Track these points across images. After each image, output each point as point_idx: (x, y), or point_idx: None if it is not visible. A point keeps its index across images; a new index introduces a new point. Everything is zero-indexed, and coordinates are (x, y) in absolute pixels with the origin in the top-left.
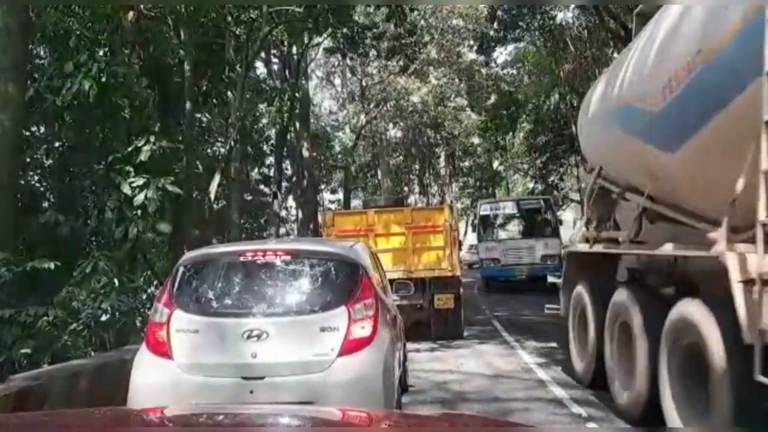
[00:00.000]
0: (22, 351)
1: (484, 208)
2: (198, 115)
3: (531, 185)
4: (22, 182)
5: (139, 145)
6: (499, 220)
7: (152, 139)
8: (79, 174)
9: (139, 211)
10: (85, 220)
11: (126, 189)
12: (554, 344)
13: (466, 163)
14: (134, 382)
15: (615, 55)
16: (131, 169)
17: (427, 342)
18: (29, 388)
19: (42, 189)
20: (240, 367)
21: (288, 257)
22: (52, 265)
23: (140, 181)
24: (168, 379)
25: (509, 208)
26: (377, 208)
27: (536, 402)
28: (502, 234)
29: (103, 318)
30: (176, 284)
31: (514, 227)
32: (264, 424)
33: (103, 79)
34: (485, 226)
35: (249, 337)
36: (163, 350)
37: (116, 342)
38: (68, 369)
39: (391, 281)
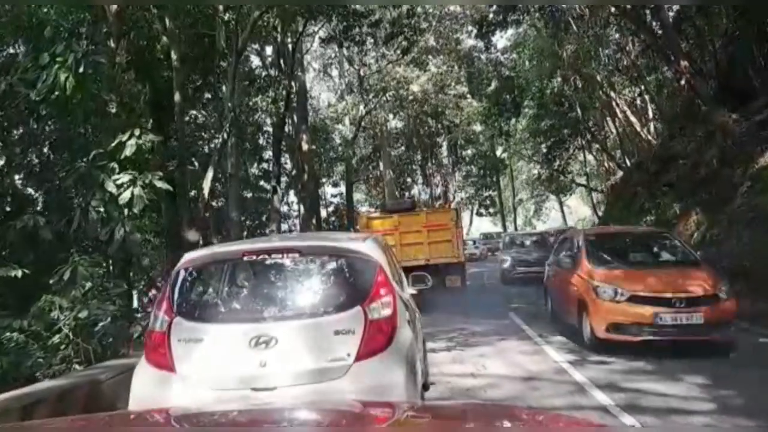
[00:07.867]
0: None
1: None
2: (193, 112)
3: (536, 171)
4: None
5: (123, 139)
6: None
7: (137, 132)
8: (62, 173)
9: (126, 210)
10: (68, 222)
11: (110, 187)
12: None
13: (469, 152)
14: (134, 398)
15: (617, 35)
16: (116, 166)
17: (443, 341)
18: None
19: (24, 191)
20: (248, 378)
21: (296, 255)
22: (19, 273)
23: (125, 178)
24: (171, 394)
25: None
26: (400, 212)
27: (579, 411)
28: None
29: (95, 326)
30: (176, 289)
31: None
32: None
33: (81, 70)
34: None
35: (257, 344)
36: (164, 362)
37: (103, 354)
38: (25, 398)
39: (410, 270)
